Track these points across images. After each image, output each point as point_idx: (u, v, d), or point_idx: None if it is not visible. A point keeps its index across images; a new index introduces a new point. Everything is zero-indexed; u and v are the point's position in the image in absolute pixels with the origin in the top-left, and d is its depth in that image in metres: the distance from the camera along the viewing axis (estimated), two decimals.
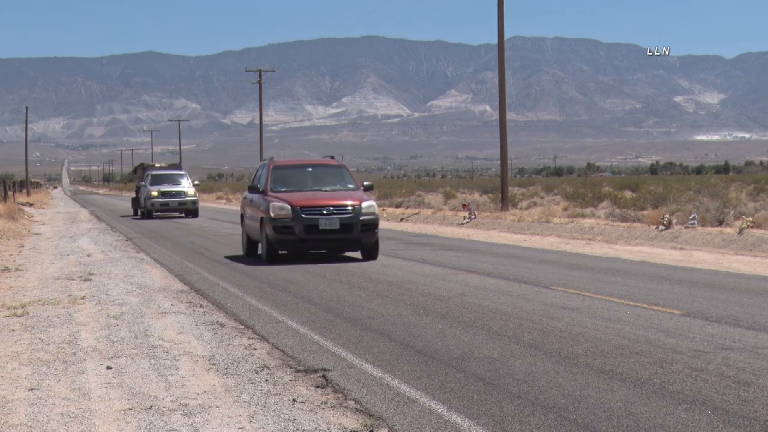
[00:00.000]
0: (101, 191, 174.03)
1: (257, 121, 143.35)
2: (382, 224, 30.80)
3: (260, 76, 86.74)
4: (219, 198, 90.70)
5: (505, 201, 40.56)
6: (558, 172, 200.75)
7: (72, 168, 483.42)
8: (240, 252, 24.46)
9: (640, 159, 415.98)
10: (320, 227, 20.63)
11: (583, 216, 35.67)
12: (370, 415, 7.54)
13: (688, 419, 7.16)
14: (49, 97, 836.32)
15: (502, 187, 40.93)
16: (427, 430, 7.11)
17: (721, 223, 27.27)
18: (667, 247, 24.07)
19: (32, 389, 8.55)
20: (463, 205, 40.91)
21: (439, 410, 7.61)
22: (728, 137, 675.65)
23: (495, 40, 44.01)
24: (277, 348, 10.52)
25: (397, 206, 51.93)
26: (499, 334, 10.96)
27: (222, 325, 12.15)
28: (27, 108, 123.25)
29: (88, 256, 23.67)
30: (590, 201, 44.68)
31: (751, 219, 24.95)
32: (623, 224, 29.28)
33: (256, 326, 12.09)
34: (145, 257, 23.27)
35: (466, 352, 9.96)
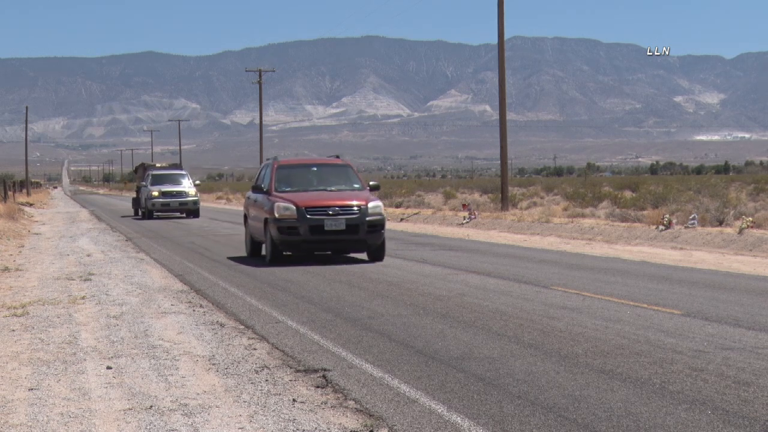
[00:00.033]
0: (101, 191, 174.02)
1: (257, 121, 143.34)
2: None
3: (260, 76, 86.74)
4: (219, 198, 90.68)
5: (505, 201, 40.55)
6: (558, 172, 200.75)
7: (72, 168, 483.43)
8: (240, 252, 24.45)
9: (640, 159, 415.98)
10: (326, 228, 20.25)
11: (583, 216, 35.66)
12: (370, 415, 7.54)
13: (688, 419, 7.16)
14: (49, 97, 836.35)
15: (502, 187, 40.93)
16: (427, 430, 7.11)
17: (721, 223, 27.27)
18: (667, 247, 24.06)
19: (32, 389, 8.55)
20: (463, 205, 40.91)
21: (439, 410, 7.61)
22: (728, 137, 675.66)
23: (495, 40, 44.02)
24: (277, 348, 10.52)
25: (397, 206, 51.93)
26: (499, 334, 10.96)
27: (222, 325, 12.15)
28: (27, 108, 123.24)
29: (88, 256, 23.67)
30: (590, 201, 44.67)
31: (751, 219, 24.95)
32: (623, 224, 29.28)
33: (256, 326, 12.09)
34: (145, 257, 23.27)
35: (466, 352, 9.96)
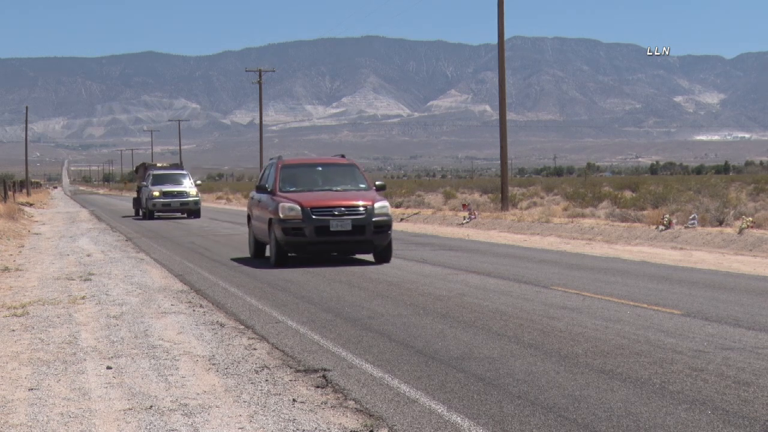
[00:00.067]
0: (101, 191, 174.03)
1: (257, 121, 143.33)
2: None
3: (260, 76, 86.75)
4: (219, 198, 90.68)
5: (505, 201, 40.55)
6: (558, 172, 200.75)
7: (72, 168, 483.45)
8: (241, 252, 24.45)
9: (640, 159, 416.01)
10: (331, 229, 19.82)
11: (583, 216, 35.66)
12: (370, 415, 7.54)
13: (688, 419, 7.16)
14: (49, 97, 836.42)
15: (502, 187, 40.93)
16: (427, 430, 7.11)
17: (721, 223, 27.27)
18: (667, 247, 24.06)
19: (32, 389, 8.55)
20: (463, 205, 40.90)
21: (439, 410, 7.61)
22: (728, 137, 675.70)
23: (495, 40, 44.02)
24: (277, 348, 10.52)
25: (397, 206, 51.93)
26: (499, 334, 10.96)
27: (222, 325, 12.15)
28: (27, 108, 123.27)
29: (88, 256, 23.67)
30: (590, 201, 44.67)
31: (751, 219, 24.95)
32: (623, 224, 29.28)
33: (256, 326, 12.09)
34: (145, 257, 23.26)
35: (466, 352, 9.96)
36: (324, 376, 8.95)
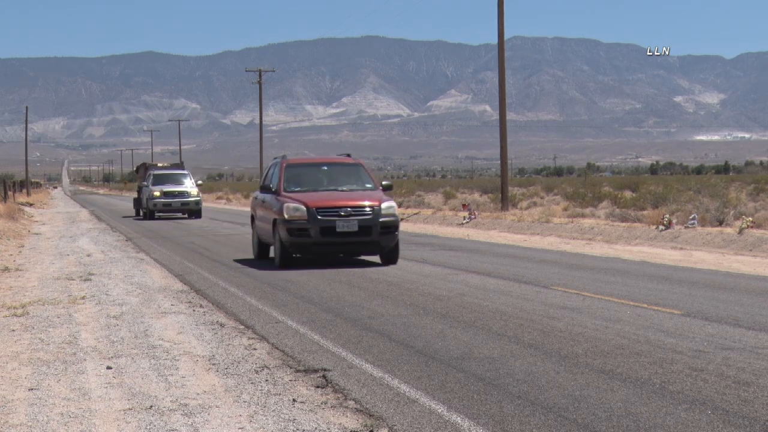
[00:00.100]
0: (101, 191, 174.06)
1: (257, 121, 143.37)
2: None
3: (260, 76, 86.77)
4: (219, 198, 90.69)
5: (505, 201, 40.56)
6: (558, 172, 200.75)
7: (72, 168, 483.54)
8: (240, 252, 24.45)
9: (640, 159, 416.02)
10: (337, 230, 19.39)
11: (583, 216, 35.67)
12: (370, 415, 7.54)
13: (688, 419, 7.16)
14: (49, 97, 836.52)
15: (502, 187, 40.93)
16: (427, 430, 7.11)
17: (721, 223, 27.26)
18: (667, 247, 24.06)
19: (32, 389, 8.55)
20: (463, 205, 40.90)
21: (439, 410, 7.61)
22: (728, 137, 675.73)
23: (495, 40, 44.02)
24: (277, 348, 10.52)
25: (398, 206, 51.89)
26: (499, 334, 10.96)
27: (222, 325, 12.15)
28: (27, 108, 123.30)
29: (88, 256, 23.67)
30: (590, 201, 44.66)
31: (751, 219, 24.95)
32: (623, 224, 29.28)
33: (256, 326, 12.09)
34: (145, 257, 23.26)
35: (466, 352, 9.96)
36: (324, 376, 8.95)
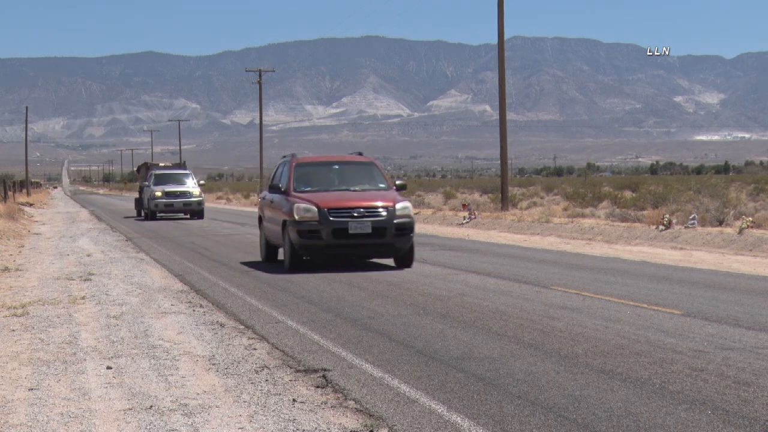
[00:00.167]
0: (101, 191, 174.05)
1: (257, 121, 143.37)
2: None
3: (260, 76, 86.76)
4: (219, 198, 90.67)
5: (505, 201, 40.55)
6: (558, 172, 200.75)
7: (72, 168, 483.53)
8: (241, 252, 24.45)
9: (640, 159, 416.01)
10: (350, 231, 18.63)
11: (583, 216, 35.66)
12: (370, 415, 7.54)
13: (688, 419, 7.16)
14: (49, 97, 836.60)
15: (502, 187, 40.93)
16: (427, 430, 7.11)
17: (721, 223, 27.26)
18: (667, 247, 24.06)
19: (32, 389, 8.55)
20: (463, 205, 40.90)
21: (439, 410, 7.61)
22: (728, 137, 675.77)
23: (495, 40, 44.01)
24: (277, 348, 10.52)
25: None
26: (499, 334, 10.96)
27: (222, 325, 12.15)
28: (27, 108, 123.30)
29: (88, 256, 23.67)
30: (590, 201, 44.66)
31: (751, 219, 24.94)
32: (623, 224, 29.28)
33: (256, 326, 12.09)
34: (145, 257, 23.26)
35: (466, 352, 9.96)
36: (324, 376, 8.95)
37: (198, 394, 8.31)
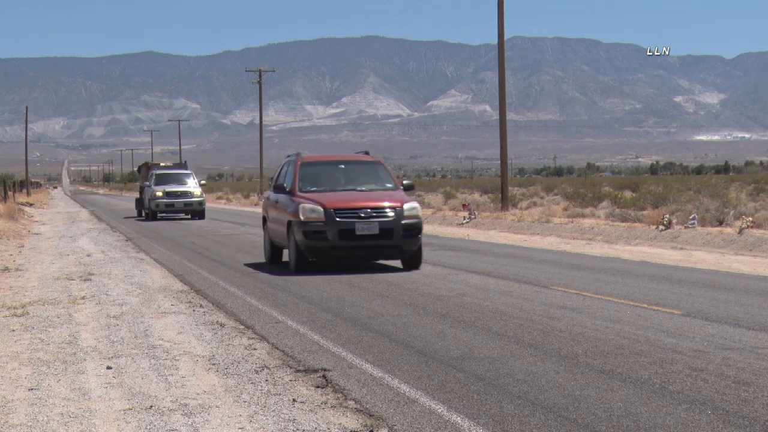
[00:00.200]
0: (101, 191, 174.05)
1: (257, 121, 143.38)
2: None
3: (260, 76, 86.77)
4: (219, 198, 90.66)
5: (505, 201, 40.55)
6: (558, 172, 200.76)
7: (72, 168, 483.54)
8: (242, 252, 24.45)
9: (640, 159, 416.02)
10: (357, 232, 18.22)
11: (583, 216, 35.66)
12: (370, 415, 7.54)
13: (688, 419, 7.16)
14: (49, 97, 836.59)
15: (502, 187, 40.93)
16: (427, 430, 7.11)
17: (721, 223, 27.26)
18: (667, 247, 24.06)
19: (32, 389, 8.55)
20: (463, 205, 40.90)
21: (439, 410, 7.61)
22: (728, 137, 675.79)
23: (495, 40, 44.01)
24: (277, 348, 10.52)
25: None
26: (499, 334, 10.96)
27: (222, 325, 12.15)
28: (27, 108, 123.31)
29: (88, 256, 23.67)
30: (590, 201, 44.65)
31: (751, 219, 24.94)
32: (623, 224, 29.28)
33: (256, 326, 12.09)
34: (145, 257, 23.26)
35: (466, 352, 9.96)
36: (324, 376, 8.95)
37: (198, 394, 8.31)
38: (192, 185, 47.11)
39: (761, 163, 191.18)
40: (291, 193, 19.45)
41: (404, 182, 20.44)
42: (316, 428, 7.18)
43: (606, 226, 29.20)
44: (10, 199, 59.86)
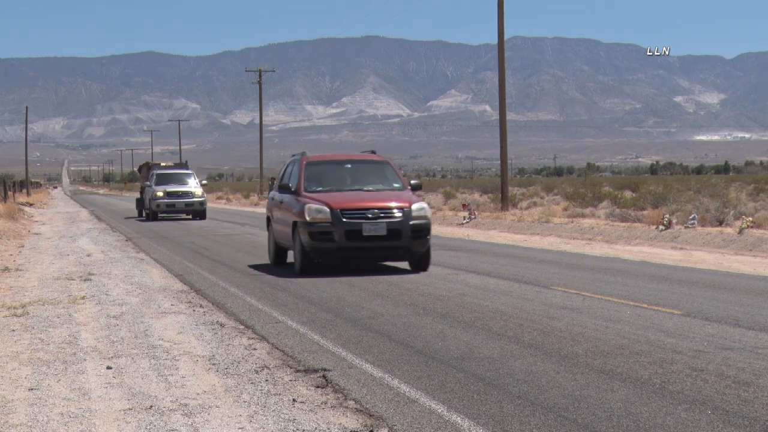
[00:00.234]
0: (101, 191, 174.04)
1: (257, 121, 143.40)
2: None
3: (260, 76, 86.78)
4: (219, 198, 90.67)
5: (505, 201, 40.55)
6: (558, 172, 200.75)
7: (72, 168, 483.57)
8: (242, 252, 24.45)
9: (640, 159, 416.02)
10: (364, 233, 17.84)
11: (583, 216, 35.66)
12: (370, 415, 7.55)
13: (688, 419, 7.16)
14: (49, 97, 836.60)
15: (502, 187, 40.93)
16: (427, 430, 7.11)
17: (721, 223, 27.26)
18: (667, 247, 24.07)
19: (32, 389, 8.55)
20: (463, 205, 40.90)
21: (439, 410, 7.61)
22: (728, 137, 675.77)
23: (495, 40, 44.01)
24: (277, 348, 10.52)
25: None
26: (499, 334, 10.96)
27: (222, 325, 12.15)
28: (27, 108, 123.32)
29: (88, 256, 23.67)
30: (590, 201, 44.64)
31: (751, 219, 24.94)
32: (623, 224, 29.28)
33: (256, 326, 12.09)
34: (145, 257, 23.26)
35: (466, 352, 9.96)
36: (324, 376, 8.95)
37: (198, 394, 8.31)
38: (193, 185, 46.88)
39: (761, 163, 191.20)
40: (296, 193, 19.09)
41: (412, 182, 20.04)
42: (316, 428, 7.18)
43: (606, 226, 29.20)
44: (10, 199, 59.87)
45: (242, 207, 69.48)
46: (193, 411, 7.70)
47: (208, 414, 7.61)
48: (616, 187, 63.68)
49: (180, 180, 47.13)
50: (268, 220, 21.24)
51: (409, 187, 19.62)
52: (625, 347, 9.99)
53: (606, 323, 11.57)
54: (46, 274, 19.10)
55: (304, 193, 18.88)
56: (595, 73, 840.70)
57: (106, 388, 8.58)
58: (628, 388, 8.15)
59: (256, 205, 68.29)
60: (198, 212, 46.11)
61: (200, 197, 46.16)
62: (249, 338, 11.18)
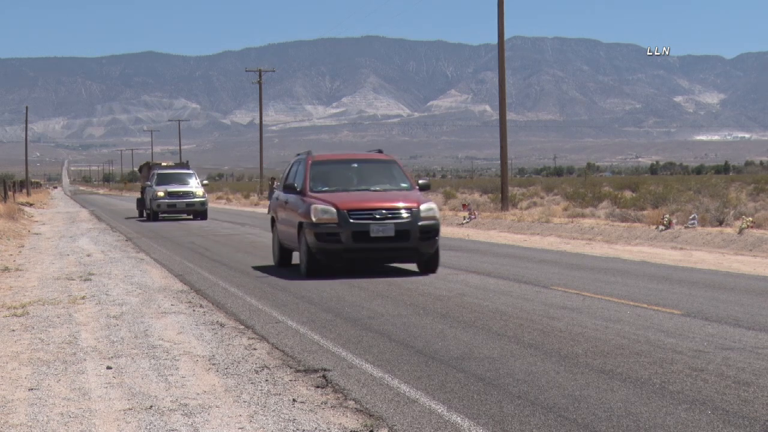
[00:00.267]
0: (101, 191, 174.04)
1: (257, 121, 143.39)
2: None
3: (260, 76, 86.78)
4: (219, 198, 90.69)
5: (505, 201, 40.55)
6: (558, 172, 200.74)
7: (72, 168, 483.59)
8: (242, 252, 24.45)
9: (640, 159, 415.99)
10: (371, 234, 17.43)
11: (583, 216, 35.67)
12: (370, 415, 7.55)
13: (688, 419, 7.16)
14: (49, 97, 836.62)
15: (502, 187, 40.93)
16: (427, 430, 7.11)
17: (721, 223, 27.26)
18: (667, 247, 24.07)
19: (32, 389, 8.55)
20: (463, 205, 40.90)
21: (439, 410, 7.61)
22: (728, 137, 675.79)
23: (495, 40, 44.02)
24: (277, 348, 10.52)
25: None
26: (499, 334, 10.96)
27: (222, 325, 12.15)
28: (27, 108, 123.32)
29: (88, 256, 23.67)
30: (590, 201, 44.65)
31: (751, 219, 24.95)
32: (623, 224, 29.28)
33: (256, 326, 12.09)
34: (145, 257, 23.26)
35: (466, 352, 9.96)
36: (324, 376, 8.95)
37: (198, 394, 8.31)
38: (194, 185, 46.66)
39: (761, 163, 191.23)
40: (302, 193, 18.67)
41: (420, 182, 19.65)
42: (316, 428, 7.18)
43: (606, 226, 29.21)
44: (10, 199, 59.87)
45: (242, 207, 69.48)
46: (193, 411, 7.70)
47: (208, 414, 7.61)
48: (616, 187, 63.68)
49: (181, 180, 46.95)
50: (273, 220, 20.80)
51: (417, 187, 19.20)
52: (625, 347, 9.99)
53: (606, 323, 11.57)
54: (46, 274, 19.10)
55: (309, 193, 18.49)
56: (595, 73, 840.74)
57: (106, 388, 8.59)
58: (628, 388, 8.15)
59: (256, 205, 68.30)
60: (199, 212, 45.87)
61: (201, 197, 45.93)
62: (249, 338, 11.18)
